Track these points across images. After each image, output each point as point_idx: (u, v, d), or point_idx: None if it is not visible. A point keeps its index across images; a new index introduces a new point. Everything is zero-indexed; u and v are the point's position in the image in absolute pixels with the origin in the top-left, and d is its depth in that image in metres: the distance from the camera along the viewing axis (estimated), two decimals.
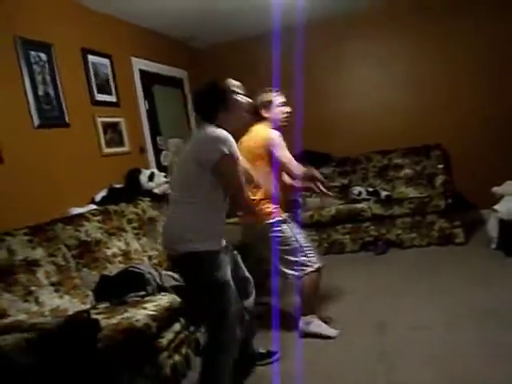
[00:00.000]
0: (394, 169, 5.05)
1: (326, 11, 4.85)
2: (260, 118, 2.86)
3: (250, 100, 2.25)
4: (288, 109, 2.89)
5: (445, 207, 4.32)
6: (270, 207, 2.75)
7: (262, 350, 2.62)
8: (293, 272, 2.75)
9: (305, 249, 2.74)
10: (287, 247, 2.72)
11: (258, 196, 2.71)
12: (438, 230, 4.38)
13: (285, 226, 2.75)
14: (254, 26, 5.04)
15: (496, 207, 3.84)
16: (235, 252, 2.38)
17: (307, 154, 5.25)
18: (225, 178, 2.01)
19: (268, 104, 2.85)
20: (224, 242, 2.19)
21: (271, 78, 5.16)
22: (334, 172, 5.25)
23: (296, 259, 2.72)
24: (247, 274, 2.43)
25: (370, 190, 4.76)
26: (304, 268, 2.73)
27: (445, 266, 3.80)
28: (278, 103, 2.82)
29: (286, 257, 2.74)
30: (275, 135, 2.72)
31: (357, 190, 4.81)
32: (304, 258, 2.72)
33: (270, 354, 2.62)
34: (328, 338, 2.77)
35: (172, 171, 2.33)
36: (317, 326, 2.83)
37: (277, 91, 2.90)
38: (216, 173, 1.98)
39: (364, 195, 4.72)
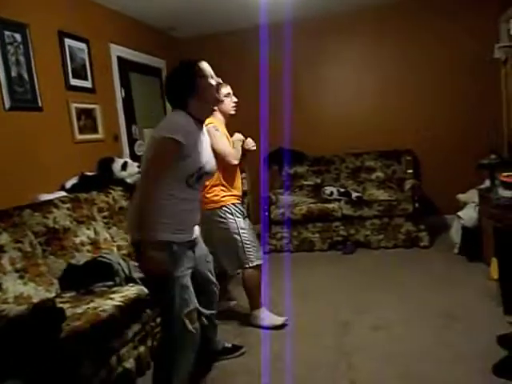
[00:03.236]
0: (366, 171, 5.16)
1: (310, 9, 4.88)
2: None
3: (221, 81, 2.19)
4: (234, 98, 2.93)
5: (412, 211, 4.45)
6: (219, 194, 2.81)
7: (227, 345, 2.65)
8: (229, 264, 2.89)
9: (245, 245, 2.81)
10: (227, 238, 2.80)
11: (210, 182, 2.72)
12: (405, 233, 4.51)
13: (230, 217, 2.81)
14: (237, 20, 5.04)
15: (459, 214, 3.98)
16: (209, 255, 2.33)
17: (283, 151, 5.33)
18: (148, 158, 1.92)
19: None
20: (189, 236, 2.07)
21: (252, 74, 5.22)
22: (307, 171, 5.32)
23: (234, 253, 2.83)
24: (214, 279, 2.37)
25: (342, 190, 4.85)
26: (241, 263, 2.84)
27: (409, 268, 3.92)
28: (224, 94, 2.82)
29: (225, 248, 2.82)
30: (210, 128, 2.65)
31: (329, 189, 4.88)
32: (241, 254, 2.81)
33: (235, 348, 2.65)
34: (277, 327, 2.89)
35: None
36: (262, 318, 2.95)
37: (220, 82, 2.92)
38: (149, 153, 1.91)
39: (335, 195, 4.80)
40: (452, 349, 2.49)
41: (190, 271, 2.03)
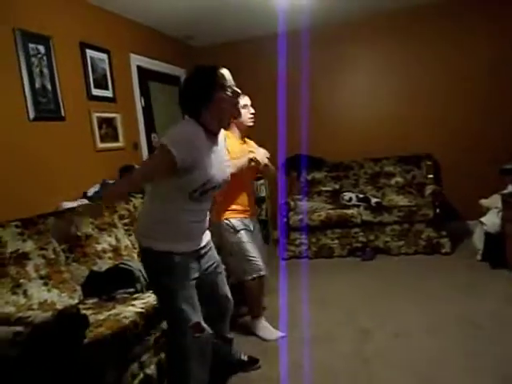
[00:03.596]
0: (386, 176, 5.11)
1: (326, 17, 4.89)
2: None
3: (239, 91, 1.98)
4: (252, 110, 2.89)
5: (433, 217, 4.38)
6: (224, 207, 2.83)
7: (243, 357, 2.59)
8: (233, 275, 2.94)
9: (245, 257, 2.83)
10: (229, 251, 2.84)
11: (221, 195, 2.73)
12: (426, 239, 4.44)
13: (231, 231, 2.83)
14: (254, 28, 5.08)
15: (482, 219, 3.91)
16: (221, 266, 2.27)
17: (301, 157, 5.32)
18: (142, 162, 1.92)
19: None
20: (195, 245, 2.03)
21: (269, 81, 5.24)
22: (326, 177, 5.30)
23: (234, 265, 2.88)
24: (229, 294, 2.29)
25: (361, 196, 4.81)
26: (240, 276, 2.88)
27: (430, 274, 3.86)
28: (241, 105, 2.80)
29: (228, 259, 2.85)
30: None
31: (348, 195, 4.85)
32: (240, 267, 2.85)
33: (251, 361, 2.60)
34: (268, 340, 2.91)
35: None
36: (259, 329, 2.97)
37: (239, 93, 2.90)
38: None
39: (354, 201, 4.76)
40: (475, 358, 2.44)
41: (194, 282, 1.99)
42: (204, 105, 1.88)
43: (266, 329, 2.98)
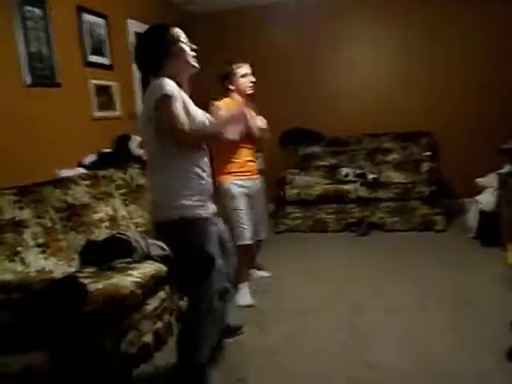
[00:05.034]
0: (383, 152, 5.12)
1: None
2: (225, 91, 2.91)
3: (195, 47, 2.12)
4: (252, 78, 2.91)
5: (428, 194, 4.41)
6: (221, 169, 2.86)
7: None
8: None
9: (237, 223, 2.88)
10: (225, 214, 2.82)
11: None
12: (420, 216, 4.48)
13: (228, 195, 2.86)
14: None
15: (477, 198, 3.94)
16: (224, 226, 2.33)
17: (299, 131, 5.29)
18: (164, 119, 1.89)
19: (230, 76, 2.88)
20: (213, 207, 2.13)
21: (270, 50, 5.15)
22: (324, 151, 5.29)
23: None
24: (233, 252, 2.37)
25: (358, 172, 4.82)
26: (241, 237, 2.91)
27: (423, 251, 3.92)
28: (241, 74, 2.82)
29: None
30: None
31: (344, 171, 4.86)
32: (234, 232, 2.85)
33: (234, 329, 2.64)
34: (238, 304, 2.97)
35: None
36: (239, 294, 3.02)
37: (239, 61, 2.89)
38: (158, 118, 1.90)
39: (351, 177, 4.78)
40: (465, 333, 2.50)
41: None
42: (165, 58, 1.98)
43: (241, 294, 3.04)
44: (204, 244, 2.01)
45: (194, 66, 2.10)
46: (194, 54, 2.09)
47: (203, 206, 2.04)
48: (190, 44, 2.08)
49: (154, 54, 1.99)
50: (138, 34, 2.08)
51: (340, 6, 5.10)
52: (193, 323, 2.11)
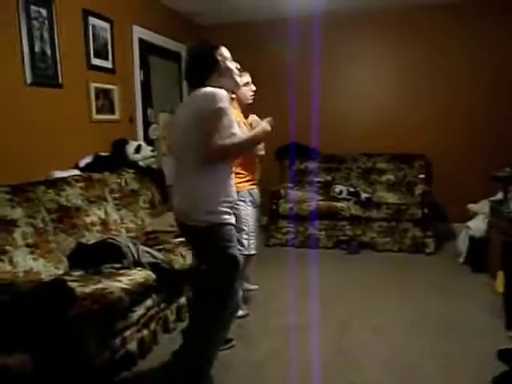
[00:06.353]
0: (378, 173, 5.14)
1: (341, 6, 4.81)
2: None
3: (239, 67, 2.29)
4: (253, 87, 2.96)
5: (421, 216, 4.44)
6: (236, 180, 2.82)
7: None
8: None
9: (250, 233, 2.88)
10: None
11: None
12: (411, 238, 4.50)
13: (242, 204, 2.83)
14: (262, 10, 4.99)
15: (469, 223, 3.97)
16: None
17: (296, 146, 5.32)
18: (206, 130, 1.97)
19: None
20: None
21: (269, 65, 5.20)
22: (319, 167, 5.31)
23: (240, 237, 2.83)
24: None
25: (352, 190, 4.84)
26: (241, 248, 2.82)
27: (412, 273, 3.93)
28: (243, 83, 2.82)
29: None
30: None
31: (338, 188, 4.88)
32: (244, 240, 2.84)
33: (228, 340, 2.62)
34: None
35: (171, 142, 2.32)
36: None
37: (240, 71, 2.91)
38: (206, 125, 1.97)
39: (345, 194, 4.79)
40: (451, 359, 2.50)
41: None
42: (212, 70, 2.10)
43: None
44: (230, 247, 2.08)
45: (237, 83, 2.27)
46: (238, 72, 2.25)
47: (231, 212, 2.11)
48: (235, 63, 2.23)
49: (205, 70, 2.11)
50: (188, 50, 2.23)
51: (340, 25, 5.16)
52: (209, 327, 2.12)
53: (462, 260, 4.05)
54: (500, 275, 3.16)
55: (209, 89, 2.02)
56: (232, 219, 2.11)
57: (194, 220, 2.04)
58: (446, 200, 4.97)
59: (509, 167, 3.66)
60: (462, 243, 4.08)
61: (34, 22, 3.02)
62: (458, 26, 4.86)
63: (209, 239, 2.06)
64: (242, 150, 2.26)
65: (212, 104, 1.96)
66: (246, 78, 2.91)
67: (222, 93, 1.99)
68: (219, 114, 1.97)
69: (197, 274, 2.40)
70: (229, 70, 2.17)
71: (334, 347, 2.66)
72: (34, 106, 3.06)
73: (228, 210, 2.09)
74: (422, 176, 4.91)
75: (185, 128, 2.06)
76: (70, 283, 2.16)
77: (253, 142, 2.29)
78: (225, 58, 2.15)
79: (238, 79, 2.27)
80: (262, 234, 4.99)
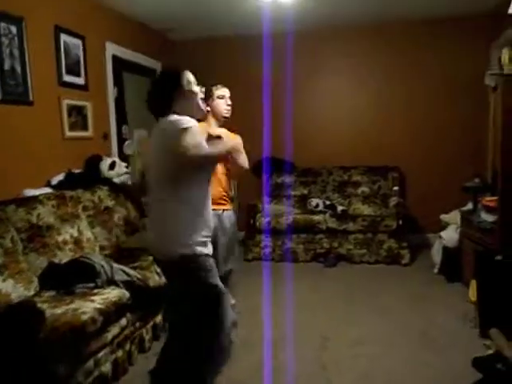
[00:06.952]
0: (353, 185, 5.21)
1: (309, 21, 4.89)
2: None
3: (203, 89, 2.20)
4: (229, 101, 2.85)
5: (396, 228, 4.50)
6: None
7: None
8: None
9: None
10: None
11: None
12: (387, 249, 4.56)
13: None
14: (235, 26, 5.05)
15: (441, 234, 4.05)
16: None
17: (272, 160, 5.34)
18: (183, 144, 1.85)
19: (207, 97, 2.68)
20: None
21: (244, 80, 5.25)
22: (295, 181, 5.35)
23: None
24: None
25: (328, 203, 4.88)
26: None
27: (389, 284, 3.97)
28: (217, 95, 2.78)
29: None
30: None
31: (315, 201, 4.91)
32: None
33: None
34: None
35: (146, 167, 2.25)
36: None
37: (217, 84, 2.90)
38: (177, 147, 1.87)
39: (321, 208, 4.83)
40: (428, 369, 2.52)
41: None
42: (177, 99, 2.03)
43: None
44: (210, 277, 1.98)
45: (202, 109, 2.16)
46: (202, 95, 2.16)
47: (207, 242, 2.02)
48: (200, 87, 2.15)
49: (168, 95, 2.04)
50: (157, 76, 2.12)
51: (314, 39, 5.26)
52: (206, 362, 2.02)
53: (436, 270, 4.11)
54: (473, 284, 3.22)
55: (174, 116, 1.96)
56: (207, 249, 2.01)
57: (167, 255, 1.96)
58: (420, 211, 5.07)
59: (478, 178, 3.77)
60: (436, 253, 4.15)
61: (4, 38, 2.98)
62: (433, 40, 5.00)
63: (185, 272, 1.95)
64: (217, 150, 2.08)
65: (178, 127, 1.89)
66: (222, 91, 2.83)
67: (186, 118, 1.93)
68: (185, 131, 1.88)
69: (175, 322, 2.23)
70: (193, 93, 2.09)
71: (315, 360, 2.65)
72: (4, 124, 3.00)
73: (205, 239, 2.00)
74: (396, 188, 5.00)
75: (156, 156, 2.01)
76: (40, 304, 2.11)
77: (225, 146, 2.15)
78: (189, 82, 2.09)
79: (202, 106, 2.16)
80: (239, 248, 4.99)
